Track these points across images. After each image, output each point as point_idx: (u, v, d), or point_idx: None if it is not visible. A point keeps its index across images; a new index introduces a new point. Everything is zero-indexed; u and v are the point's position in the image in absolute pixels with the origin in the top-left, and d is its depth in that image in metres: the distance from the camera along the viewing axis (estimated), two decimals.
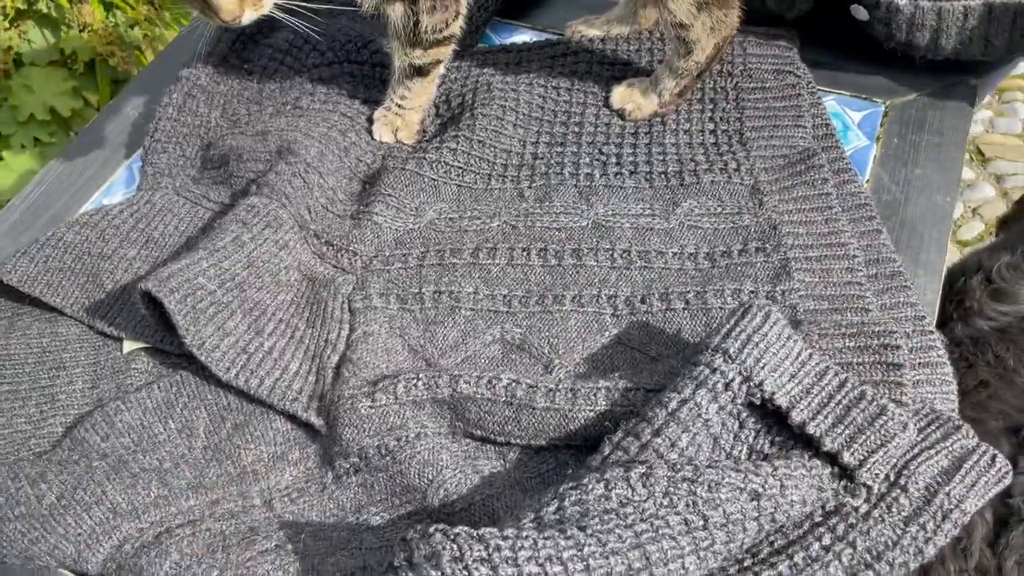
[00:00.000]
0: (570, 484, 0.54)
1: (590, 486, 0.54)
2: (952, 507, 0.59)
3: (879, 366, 0.64)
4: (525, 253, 0.77)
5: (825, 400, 0.59)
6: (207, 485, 0.62)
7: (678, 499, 0.54)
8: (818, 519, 0.59)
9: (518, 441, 0.65)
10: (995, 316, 0.90)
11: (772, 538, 0.58)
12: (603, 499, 0.53)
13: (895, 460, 0.60)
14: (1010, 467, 0.62)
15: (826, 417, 0.58)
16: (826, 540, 0.58)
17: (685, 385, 0.59)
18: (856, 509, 0.59)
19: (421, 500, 0.61)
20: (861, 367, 0.64)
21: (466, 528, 0.48)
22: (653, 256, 0.76)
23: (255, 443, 0.66)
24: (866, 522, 0.58)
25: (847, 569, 0.57)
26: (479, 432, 0.65)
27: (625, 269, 0.76)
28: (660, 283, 0.75)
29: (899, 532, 0.58)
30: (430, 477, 0.62)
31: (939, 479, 0.60)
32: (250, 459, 0.65)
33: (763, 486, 0.55)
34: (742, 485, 0.55)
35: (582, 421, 0.63)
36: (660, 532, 0.52)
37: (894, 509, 0.59)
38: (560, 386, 0.64)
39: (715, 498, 0.54)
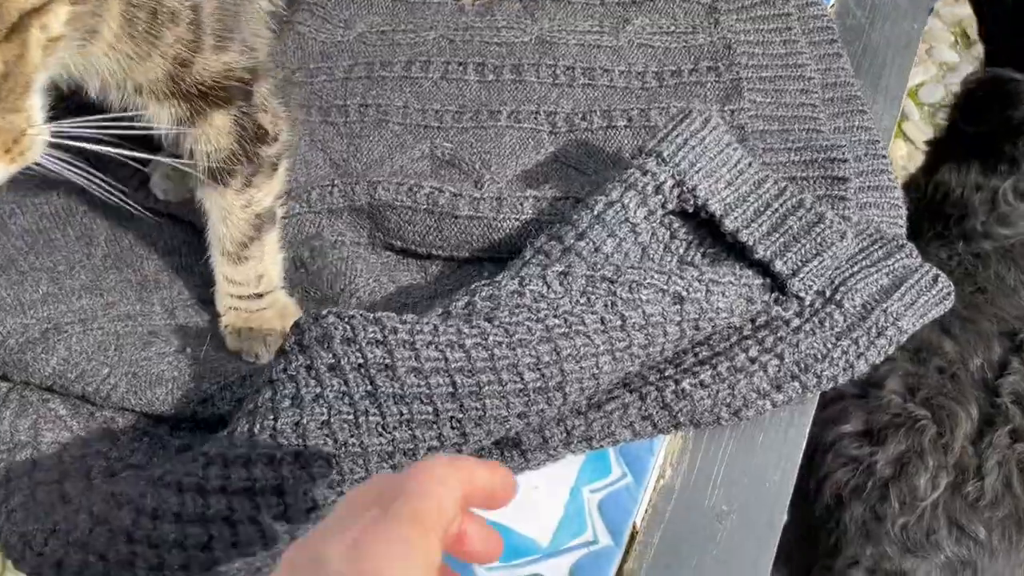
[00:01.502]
0: (483, 282, 0.51)
1: (503, 282, 0.50)
2: (888, 324, 0.57)
3: (824, 180, 0.60)
4: (461, 68, 0.72)
5: (761, 208, 0.56)
6: (104, 288, 0.58)
7: (596, 298, 0.50)
8: (746, 332, 0.56)
9: (440, 252, 0.61)
10: (999, 239, 0.86)
11: (697, 349, 0.56)
12: (516, 295, 0.50)
13: (830, 271, 0.57)
14: (951, 288, 0.60)
15: (760, 225, 0.55)
16: (752, 352, 0.55)
17: (613, 188, 0.55)
18: (787, 322, 0.56)
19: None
20: (805, 180, 0.60)
21: (362, 311, 0.45)
22: (598, 74, 0.71)
23: (159, 254, 0.62)
24: (796, 335, 0.56)
25: (772, 380, 0.54)
26: (399, 243, 0.62)
27: (567, 86, 0.71)
28: (603, 101, 0.70)
29: (830, 346, 0.56)
30: (341, 286, 0.58)
31: (877, 296, 0.58)
32: (152, 269, 0.61)
33: (687, 289, 0.52)
34: (665, 287, 0.52)
35: (507, 231, 0.59)
36: (574, 328, 0.49)
37: (827, 324, 0.56)
38: (485, 195, 0.60)
39: (635, 299, 0.51)
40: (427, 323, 0.46)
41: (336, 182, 0.61)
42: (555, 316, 0.49)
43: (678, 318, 0.52)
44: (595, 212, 0.55)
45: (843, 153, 0.61)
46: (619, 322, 0.50)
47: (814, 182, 0.60)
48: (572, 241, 0.54)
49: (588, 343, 0.49)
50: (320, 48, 0.74)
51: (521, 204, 0.59)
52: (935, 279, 0.59)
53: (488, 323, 0.48)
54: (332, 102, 0.70)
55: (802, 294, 0.55)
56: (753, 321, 0.57)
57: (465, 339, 0.46)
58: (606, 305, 0.50)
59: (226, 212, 0.53)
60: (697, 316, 0.53)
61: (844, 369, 0.56)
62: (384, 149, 0.67)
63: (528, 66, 0.71)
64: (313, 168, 0.66)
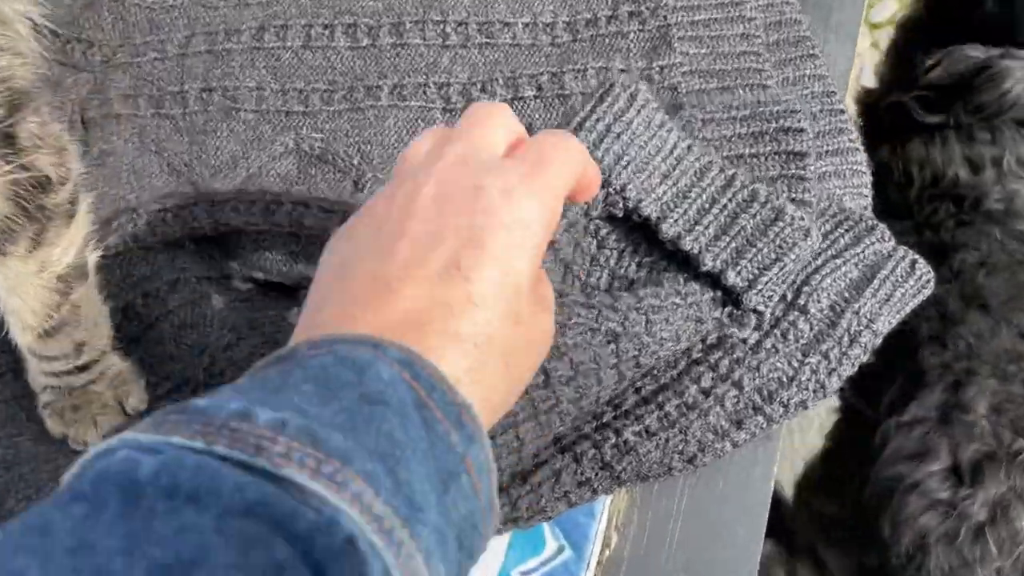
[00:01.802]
0: None
1: None
2: (862, 328, 0.47)
3: (777, 156, 0.49)
4: (328, 32, 0.58)
5: (706, 205, 0.45)
6: None
7: None
8: (696, 355, 0.46)
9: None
10: None
11: (639, 384, 0.45)
12: None
13: (793, 276, 0.47)
14: (931, 274, 0.50)
15: (707, 227, 0.44)
16: (705, 381, 0.45)
17: None
18: (744, 340, 0.46)
19: (182, 373, 0.46)
20: (755, 159, 0.49)
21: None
22: (497, 29, 0.58)
23: None
24: (756, 355, 0.46)
25: (731, 415, 0.45)
26: (260, 275, 0.49)
27: (461, 48, 0.58)
28: (506, 64, 0.57)
29: (796, 364, 0.46)
30: (189, 341, 0.46)
31: (847, 295, 0.48)
32: None
33: (623, 324, 0.41)
34: (595, 325, 0.41)
35: None
36: None
37: (791, 336, 0.46)
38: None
39: (558, 345, 0.40)
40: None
41: (169, 203, 0.48)
42: None
43: (614, 360, 0.41)
44: None
45: (798, 120, 0.50)
46: (541, 379, 0.39)
47: (766, 160, 0.49)
48: None
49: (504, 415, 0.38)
50: (147, 16, 0.59)
51: None
52: (912, 265, 0.49)
53: None
54: (166, 88, 0.56)
55: (761, 308, 0.45)
56: (704, 340, 0.46)
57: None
58: None
59: (15, 283, 0.40)
60: (637, 352, 0.42)
61: (815, 391, 0.46)
62: (236, 146, 0.54)
63: (411, 25, 0.58)
64: (147, 179, 0.52)
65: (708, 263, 0.44)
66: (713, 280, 0.45)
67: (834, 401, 0.90)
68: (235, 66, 0.56)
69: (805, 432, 1.10)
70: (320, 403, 0.26)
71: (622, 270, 0.45)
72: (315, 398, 0.26)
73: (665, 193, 0.45)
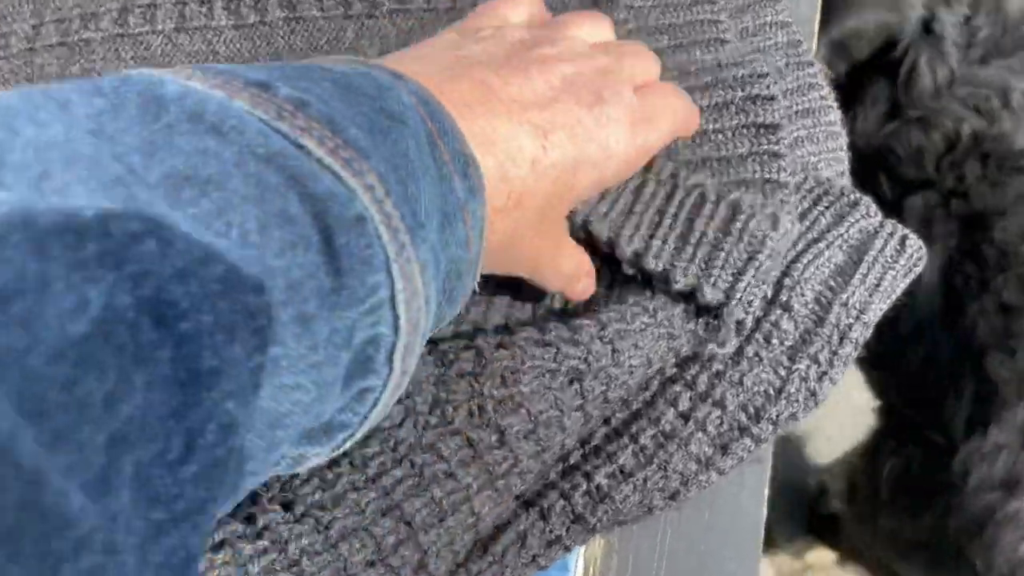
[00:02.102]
0: None
1: None
2: (852, 321, 0.41)
3: (746, 131, 0.42)
4: (205, 8, 0.48)
5: (655, 219, 0.38)
6: None
7: (454, 409, 0.33)
8: (670, 372, 0.40)
9: None
10: None
11: (608, 413, 0.39)
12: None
13: (773, 273, 0.41)
14: (923, 250, 0.44)
15: (664, 242, 0.37)
16: (683, 404, 0.39)
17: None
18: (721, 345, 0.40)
19: None
20: (720, 135, 0.42)
21: None
22: None
23: None
24: (737, 367, 0.40)
25: (714, 440, 0.39)
26: None
27: (367, 18, 0.49)
28: (422, 34, 0.49)
29: (784, 373, 0.40)
30: None
31: (833, 284, 0.42)
32: None
33: (586, 359, 0.35)
34: (553, 366, 0.34)
35: None
36: (428, 473, 0.31)
37: (775, 339, 0.41)
38: None
39: (511, 396, 0.33)
40: None
41: None
42: (393, 463, 0.31)
43: (579, 401, 0.35)
44: None
45: (767, 86, 0.43)
46: (495, 437, 0.33)
47: (733, 136, 0.42)
48: None
49: (454, 486, 0.32)
50: None
51: None
52: (903, 242, 0.44)
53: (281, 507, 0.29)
54: None
55: (743, 315, 0.39)
56: (676, 353, 0.40)
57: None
58: (471, 415, 0.33)
59: None
60: (605, 388, 0.36)
61: (805, 401, 0.41)
62: None
63: None
64: None
65: (679, 280, 0.37)
66: (685, 296, 0.38)
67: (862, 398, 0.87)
68: (96, 59, 0.47)
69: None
70: (341, 101, 0.25)
71: None
72: (336, 96, 0.25)
73: (610, 212, 0.38)
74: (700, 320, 0.39)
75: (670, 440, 0.38)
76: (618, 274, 0.38)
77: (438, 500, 0.31)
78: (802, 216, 0.43)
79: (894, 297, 0.43)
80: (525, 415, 0.33)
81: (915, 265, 0.44)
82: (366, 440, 0.30)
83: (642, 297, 0.37)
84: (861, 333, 0.42)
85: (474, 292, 0.33)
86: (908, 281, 0.44)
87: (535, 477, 0.36)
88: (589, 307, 0.38)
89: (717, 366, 0.40)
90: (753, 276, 0.38)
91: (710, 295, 0.37)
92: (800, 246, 0.43)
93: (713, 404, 0.39)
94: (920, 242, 0.44)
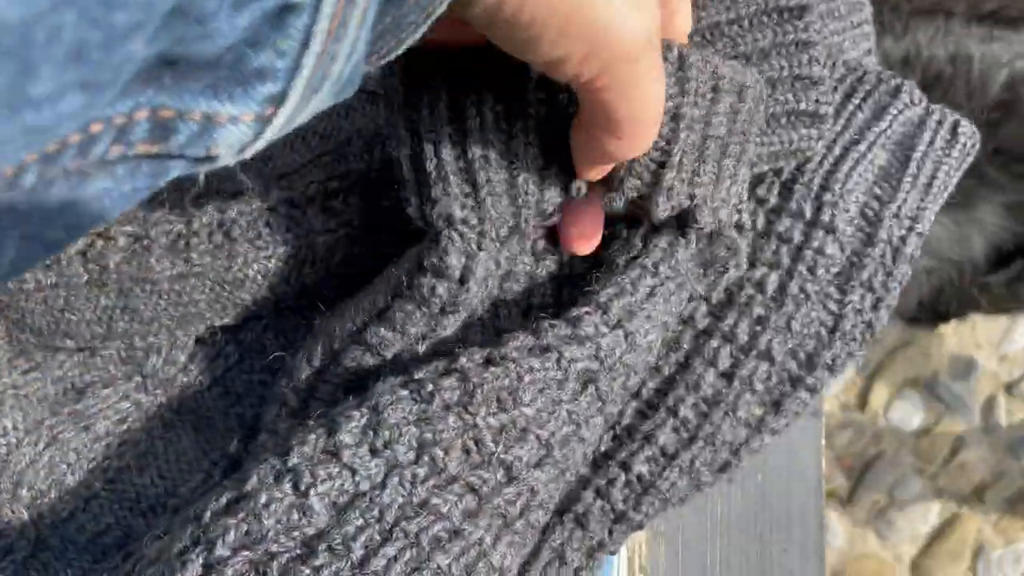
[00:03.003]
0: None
1: (266, 476, 0.25)
2: (905, 233, 0.35)
3: (766, 19, 0.34)
4: None
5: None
6: None
7: (448, 455, 0.26)
8: (703, 324, 0.34)
9: (70, 343, 0.33)
10: None
11: (637, 385, 0.33)
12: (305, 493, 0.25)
13: (807, 182, 0.34)
14: (977, 134, 0.38)
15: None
16: (724, 362, 0.33)
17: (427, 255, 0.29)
18: (759, 285, 0.34)
19: None
20: (735, 27, 0.34)
21: None
22: None
23: None
24: (782, 308, 0.34)
25: (764, 398, 0.33)
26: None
27: None
28: None
29: (835, 308, 0.34)
30: None
31: (879, 191, 0.36)
32: None
33: (596, 355, 0.28)
34: (558, 373, 0.27)
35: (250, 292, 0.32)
36: (427, 541, 0.25)
37: (820, 268, 0.34)
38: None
39: (512, 421, 0.26)
40: None
41: None
42: (383, 538, 0.24)
43: (597, 405, 0.28)
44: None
45: None
46: (502, 474, 0.26)
47: (752, 26, 0.34)
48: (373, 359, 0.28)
49: (463, 546, 0.25)
50: None
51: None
52: (954, 130, 0.37)
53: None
54: None
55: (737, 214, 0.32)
56: (707, 300, 0.34)
57: None
58: (467, 453, 0.26)
59: None
60: (625, 376, 0.29)
61: (862, 335, 0.35)
62: None
63: None
64: None
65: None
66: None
67: None
68: None
69: None
70: None
71: (567, 269, 0.31)
72: None
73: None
74: (730, 254, 0.33)
75: (715, 407, 0.32)
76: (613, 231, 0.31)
77: (446, 569, 0.25)
78: (837, 113, 0.36)
79: (948, 194, 0.37)
80: (534, 441, 0.27)
81: (968, 154, 0.37)
82: (344, 514, 0.23)
83: (635, 256, 0.30)
84: (916, 246, 0.36)
85: (444, 309, 0.26)
86: (961, 173, 0.37)
87: (563, 489, 0.30)
88: (584, 290, 0.30)
89: (758, 310, 0.34)
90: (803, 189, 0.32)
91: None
92: (837, 151, 0.36)
93: (759, 356, 0.33)
94: (972, 127, 0.37)
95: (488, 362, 0.26)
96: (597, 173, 0.29)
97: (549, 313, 0.29)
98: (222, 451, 0.31)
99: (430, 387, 0.25)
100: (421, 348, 0.28)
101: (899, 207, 0.35)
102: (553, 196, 0.29)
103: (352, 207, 0.30)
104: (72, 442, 0.31)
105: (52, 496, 0.30)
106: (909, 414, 1.39)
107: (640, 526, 0.31)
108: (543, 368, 0.26)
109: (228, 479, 0.25)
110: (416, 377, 0.26)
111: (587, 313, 0.28)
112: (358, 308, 0.29)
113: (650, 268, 0.30)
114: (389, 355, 0.28)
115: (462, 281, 0.27)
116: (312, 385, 0.29)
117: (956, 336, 1.41)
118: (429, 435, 0.25)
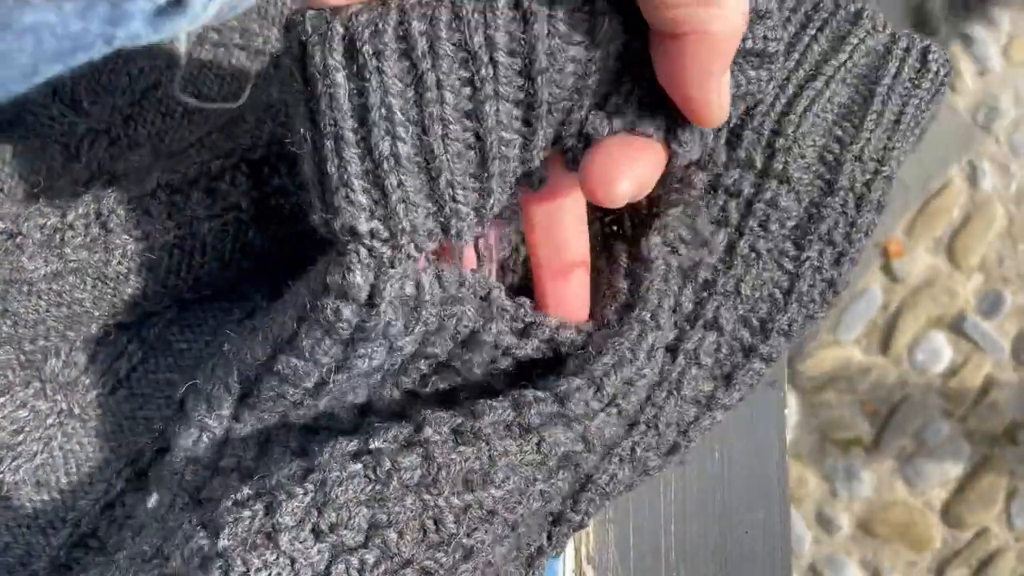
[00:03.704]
0: None
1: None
2: (869, 178, 0.32)
3: None
4: None
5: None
6: None
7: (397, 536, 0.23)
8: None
9: None
10: None
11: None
12: None
13: (757, 125, 0.31)
14: (949, 63, 0.34)
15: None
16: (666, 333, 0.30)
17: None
18: (707, 248, 0.31)
19: None
20: None
21: None
22: None
23: None
24: (729, 271, 0.30)
25: (714, 372, 0.30)
26: None
27: None
28: None
29: (790, 266, 0.31)
30: None
31: (839, 133, 0.32)
32: None
33: (583, 438, 0.25)
34: (538, 458, 0.23)
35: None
36: None
37: (773, 223, 0.31)
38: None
39: (479, 502, 0.23)
40: None
41: None
42: None
43: (573, 476, 0.25)
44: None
45: None
46: (460, 555, 0.23)
47: None
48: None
49: None
50: None
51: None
52: (924, 57, 0.33)
53: None
54: None
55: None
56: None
57: None
58: (424, 533, 0.23)
59: None
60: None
61: (822, 295, 0.31)
62: None
63: None
64: None
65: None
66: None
67: None
68: None
69: None
70: None
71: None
72: None
73: None
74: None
75: (656, 386, 0.29)
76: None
77: None
78: (788, 49, 0.32)
79: (920, 131, 0.33)
80: (500, 523, 0.24)
81: (942, 84, 0.33)
82: None
83: (628, 305, 0.27)
84: (883, 190, 0.32)
85: (355, 337, 0.23)
86: (935, 107, 0.33)
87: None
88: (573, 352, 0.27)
89: (704, 274, 0.30)
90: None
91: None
92: (791, 90, 0.32)
93: (706, 327, 0.30)
94: (945, 53, 0.33)
95: (457, 438, 0.23)
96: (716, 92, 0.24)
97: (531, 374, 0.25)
98: (127, 459, 0.29)
99: (387, 465, 0.22)
100: (383, 396, 0.25)
101: (862, 148, 0.31)
102: (498, 195, 0.24)
103: (239, 188, 0.27)
104: None
105: None
106: (935, 355, 1.34)
107: (582, 525, 0.29)
108: (520, 452, 0.24)
109: (155, 555, 0.22)
110: (371, 447, 0.23)
111: (577, 389, 0.25)
112: (267, 333, 0.25)
113: (649, 322, 0.27)
114: (310, 384, 0.25)
115: (371, 304, 0.23)
116: (237, 414, 0.27)
117: (982, 272, 1.35)
118: (383, 516, 0.22)
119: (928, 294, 1.34)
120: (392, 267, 0.23)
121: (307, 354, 0.24)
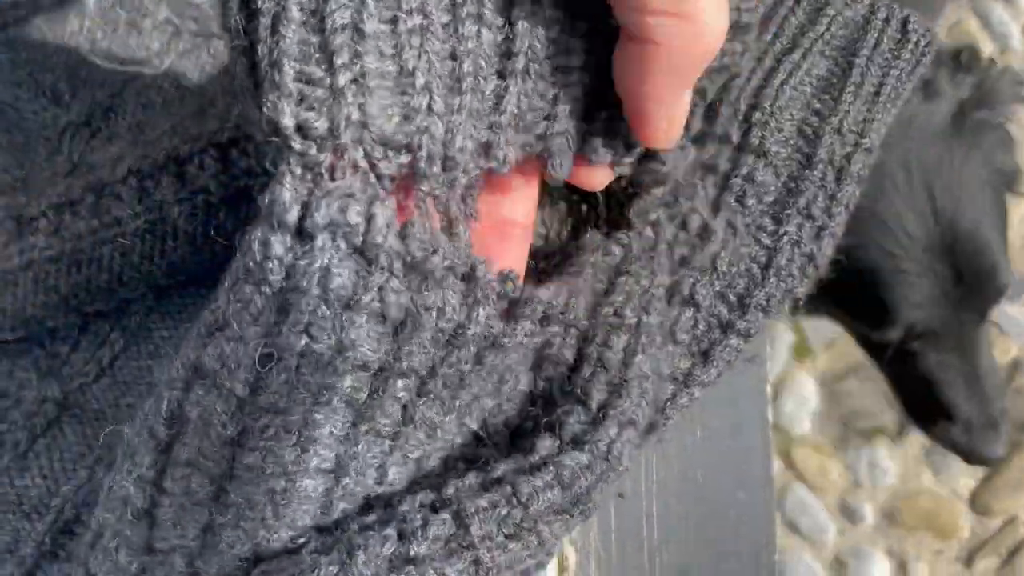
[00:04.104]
0: None
1: None
2: (850, 150, 0.31)
3: None
4: None
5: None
6: None
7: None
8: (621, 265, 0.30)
9: None
10: None
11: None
12: None
13: (734, 99, 0.30)
14: (931, 32, 0.33)
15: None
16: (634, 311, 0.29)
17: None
18: (684, 223, 0.30)
19: None
20: None
21: None
22: None
23: None
24: (707, 244, 0.30)
25: (691, 349, 0.30)
26: None
27: None
28: None
29: (769, 241, 0.30)
30: None
31: (818, 106, 0.31)
32: None
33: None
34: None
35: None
36: None
37: (751, 198, 0.30)
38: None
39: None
40: None
41: None
42: None
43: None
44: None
45: None
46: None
47: None
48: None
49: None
50: None
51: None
52: (904, 27, 0.32)
53: None
54: None
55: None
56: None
57: None
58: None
59: None
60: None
61: (802, 268, 0.31)
62: None
63: None
64: None
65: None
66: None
67: None
68: None
69: None
70: None
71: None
72: None
73: None
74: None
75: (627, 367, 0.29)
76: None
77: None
78: (765, 21, 0.32)
79: (900, 103, 0.33)
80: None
81: (923, 55, 0.33)
82: None
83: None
84: (863, 162, 0.31)
85: (286, 287, 0.18)
86: (916, 77, 0.33)
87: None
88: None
89: (680, 250, 0.30)
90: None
91: None
92: (768, 63, 0.32)
93: (683, 303, 0.30)
94: (926, 24, 0.32)
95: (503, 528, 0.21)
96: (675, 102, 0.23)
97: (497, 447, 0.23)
98: (108, 446, 0.30)
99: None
100: (278, 381, 0.19)
101: (841, 121, 0.31)
102: (464, 139, 0.20)
103: (207, 172, 0.27)
104: None
105: None
106: None
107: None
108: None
109: None
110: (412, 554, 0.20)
111: (539, 477, 0.22)
112: (200, 321, 0.20)
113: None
114: (239, 387, 0.19)
115: (301, 232, 0.18)
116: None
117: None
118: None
119: None
120: (332, 179, 0.18)
121: (234, 323, 0.19)
